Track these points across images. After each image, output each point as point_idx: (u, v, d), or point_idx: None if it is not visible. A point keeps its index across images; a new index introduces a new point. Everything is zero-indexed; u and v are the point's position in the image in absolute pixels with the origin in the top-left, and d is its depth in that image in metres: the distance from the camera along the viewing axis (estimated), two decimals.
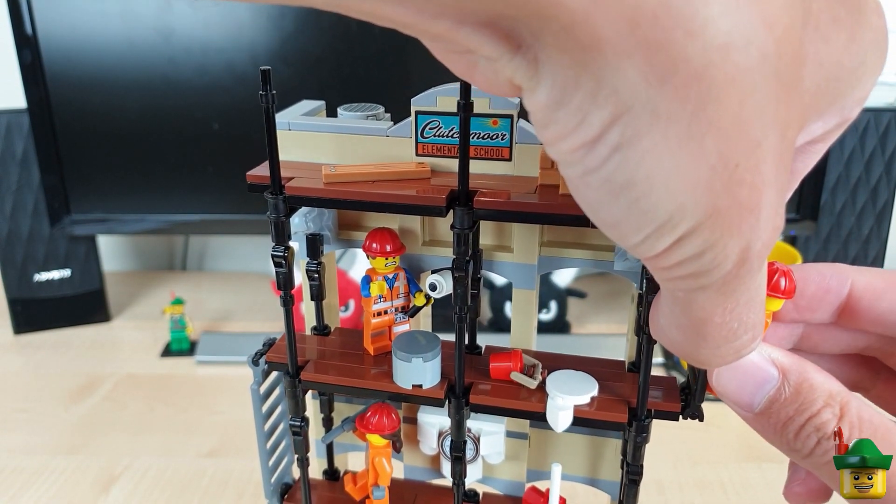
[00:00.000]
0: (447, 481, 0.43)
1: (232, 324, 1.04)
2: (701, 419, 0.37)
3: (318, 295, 0.43)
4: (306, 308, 0.45)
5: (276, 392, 0.44)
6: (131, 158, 0.93)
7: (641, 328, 0.35)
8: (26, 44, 0.85)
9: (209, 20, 0.85)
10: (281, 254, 0.37)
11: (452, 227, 0.34)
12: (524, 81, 0.18)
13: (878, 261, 0.97)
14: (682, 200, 0.17)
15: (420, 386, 0.38)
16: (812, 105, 0.20)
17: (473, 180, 0.35)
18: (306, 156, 0.40)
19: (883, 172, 0.93)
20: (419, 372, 0.38)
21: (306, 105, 0.42)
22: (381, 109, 0.41)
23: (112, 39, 0.86)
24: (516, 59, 0.17)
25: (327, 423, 0.46)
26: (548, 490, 0.41)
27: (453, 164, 0.36)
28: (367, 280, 0.40)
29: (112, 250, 1.22)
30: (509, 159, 0.37)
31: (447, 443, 0.41)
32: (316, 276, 0.42)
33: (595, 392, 0.37)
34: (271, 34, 0.86)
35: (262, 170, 0.37)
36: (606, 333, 1.00)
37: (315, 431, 0.46)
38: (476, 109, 0.33)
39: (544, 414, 0.37)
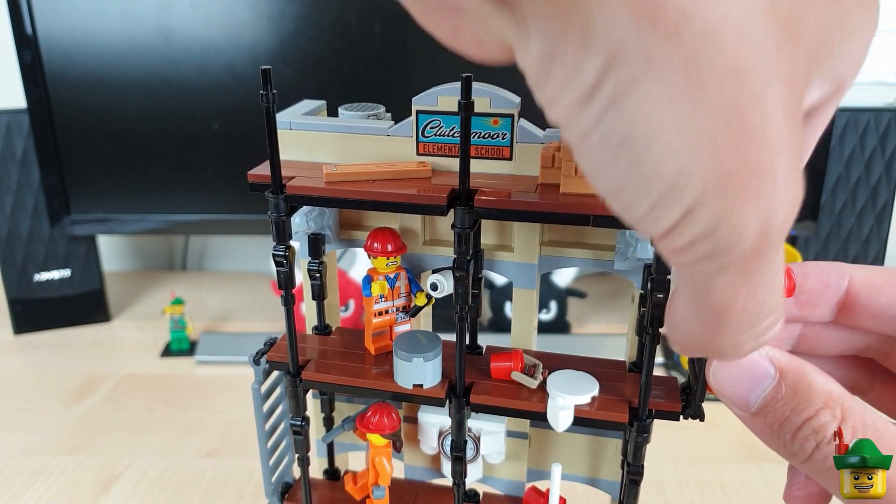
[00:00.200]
0: (447, 481, 0.43)
1: (232, 324, 1.04)
2: (702, 419, 0.37)
3: (319, 294, 0.43)
4: (307, 308, 0.45)
5: (277, 391, 0.44)
6: (131, 158, 0.92)
7: (643, 328, 0.35)
8: (26, 44, 0.85)
9: (209, 20, 0.85)
10: (282, 253, 0.37)
11: (453, 226, 0.34)
12: (514, 37, 0.17)
13: (878, 261, 0.97)
14: (684, 158, 0.16)
15: (421, 385, 0.38)
16: (814, 59, 0.19)
17: (474, 179, 0.35)
18: (307, 155, 0.40)
19: (883, 172, 0.93)
20: (420, 371, 0.38)
21: (307, 105, 0.42)
22: (382, 109, 0.41)
23: (112, 39, 0.86)
24: (505, 13, 0.17)
25: (328, 422, 0.46)
26: (548, 490, 0.41)
27: (454, 164, 0.36)
28: (369, 280, 0.40)
29: (112, 250, 1.22)
30: (510, 158, 0.37)
31: (447, 442, 0.41)
32: (317, 275, 0.42)
33: (596, 392, 0.37)
34: (271, 34, 0.86)
35: (263, 169, 0.37)
36: (607, 333, 1.00)
37: (315, 431, 0.46)
38: (477, 109, 0.33)
39: (545, 414, 0.37)
